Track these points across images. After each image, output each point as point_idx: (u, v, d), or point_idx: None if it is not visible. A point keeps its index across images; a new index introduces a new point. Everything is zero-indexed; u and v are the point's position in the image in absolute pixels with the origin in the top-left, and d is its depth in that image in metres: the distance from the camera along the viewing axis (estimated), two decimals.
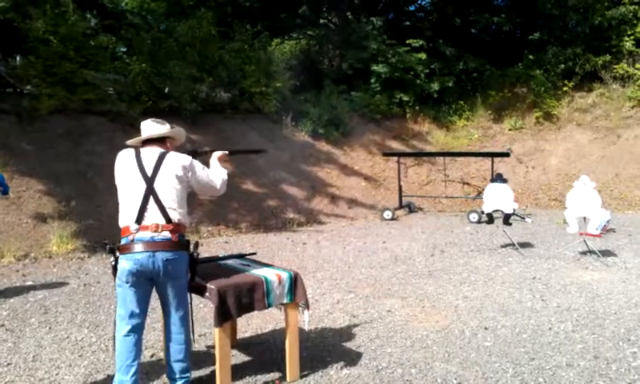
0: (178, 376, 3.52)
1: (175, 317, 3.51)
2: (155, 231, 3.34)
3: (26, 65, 11.20)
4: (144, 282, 3.40)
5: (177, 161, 3.49)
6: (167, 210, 3.38)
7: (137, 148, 3.57)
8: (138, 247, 3.33)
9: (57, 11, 11.29)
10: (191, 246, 3.57)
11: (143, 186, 3.39)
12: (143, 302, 3.48)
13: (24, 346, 4.66)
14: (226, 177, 3.83)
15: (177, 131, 3.77)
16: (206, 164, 3.84)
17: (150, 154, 3.50)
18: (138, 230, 3.35)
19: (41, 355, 4.45)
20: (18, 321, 5.33)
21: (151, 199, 3.37)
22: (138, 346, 3.47)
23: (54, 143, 10.45)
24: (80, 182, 9.98)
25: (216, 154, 3.97)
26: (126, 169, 3.48)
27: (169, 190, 3.41)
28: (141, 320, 3.48)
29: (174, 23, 14.06)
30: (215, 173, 3.80)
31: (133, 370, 3.41)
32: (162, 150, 3.54)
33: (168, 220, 3.37)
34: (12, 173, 9.29)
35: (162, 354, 4.27)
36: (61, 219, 8.94)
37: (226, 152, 4.05)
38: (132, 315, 3.43)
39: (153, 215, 3.36)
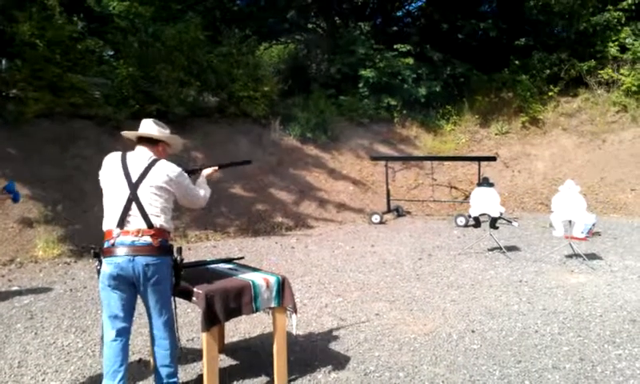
0: (164, 381, 3.52)
1: (159, 322, 3.49)
2: (136, 236, 3.35)
3: (12, 69, 11.11)
4: (126, 285, 3.40)
5: (163, 170, 3.48)
6: (150, 216, 3.37)
7: (124, 152, 3.55)
8: (119, 251, 3.34)
9: (43, 15, 11.21)
10: (174, 251, 3.54)
11: (127, 192, 3.40)
12: (127, 306, 3.47)
13: (9, 351, 4.62)
14: (208, 195, 3.88)
15: (174, 138, 3.75)
16: (195, 179, 3.87)
17: (138, 158, 3.50)
18: (119, 234, 3.37)
19: (27, 361, 4.42)
20: (3, 326, 5.28)
21: (134, 205, 3.38)
22: (124, 351, 3.46)
23: (41, 147, 10.36)
24: (66, 187, 9.91)
25: (205, 172, 4.03)
26: (111, 173, 3.49)
27: (152, 197, 3.40)
28: (125, 324, 3.48)
29: (161, 27, 13.99)
30: (200, 190, 3.82)
31: (120, 375, 3.41)
32: (151, 156, 3.53)
33: (150, 225, 3.37)
34: None
35: (149, 359, 4.25)
36: (47, 224, 8.87)
37: (216, 168, 4.13)
38: (116, 319, 3.44)
39: (135, 221, 3.37)
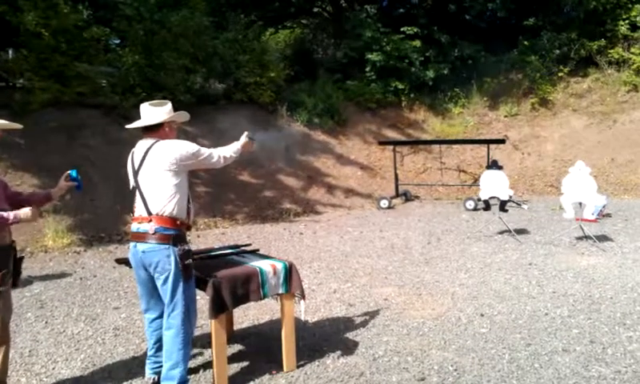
0: (164, 375, 3.45)
1: (165, 313, 3.45)
2: (140, 223, 3.39)
3: (19, 58, 11.10)
4: (140, 270, 3.48)
5: (161, 153, 3.36)
6: (147, 202, 3.36)
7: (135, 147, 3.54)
8: (131, 237, 3.46)
9: (48, 3, 11.16)
10: (177, 240, 3.37)
11: (132, 180, 3.46)
12: (147, 288, 3.55)
13: (20, 340, 4.65)
14: (228, 157, 3.67)
15: (175, 115, 3.59)
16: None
17: (141, 146, 3.48)
18: (132, 221, 3.48)
19: (37, 349, 4.45)
20: (14, 315, 5.25)
21: (137, 193, 3.42)
22: (150, 332, 3.66)
23: (48, 137, 10.38)
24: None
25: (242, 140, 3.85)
26: (128, 164, 3.55)
27: (150, 184, 3.36)
28: (146, 306, 3.63)
29: (167, 14, 13.93)
30: (215, 153, 3.60)
31: (151, 352, 3.68)
32: (152, 141, 3.44)
33: (149, 212, 3.35)
34: (6, 167, 9.26)
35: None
36: (56, 213, 8.90)
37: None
38: (142, 298, 3.65)
39: (139, 208, 3.42)
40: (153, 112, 3.50)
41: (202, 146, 3.65)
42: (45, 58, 10.79)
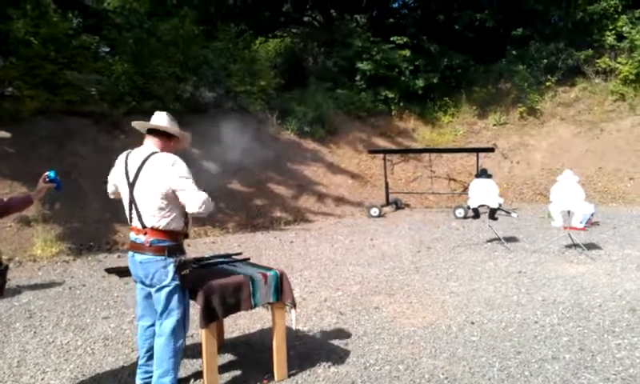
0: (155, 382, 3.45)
1: (159, 321, 3.45)
2: (137, 234, 3.39)
3: (7, 66, 11.04)
4: (138, 278, 3.50)
5: (155, 166, 3.29)
6: (142, 216, 3.34)
7: (131, 150, 3.47)
8: (129, 247, 3.48)
9: (37, 12, 11.13)
10: (175, 252, 3.39)
11: (127, 192, 3.40)
12: (145, 298, 3.58)
13: (8, 350, 4.61)
14: (210, 204, 3.44)
15: (185, 135, 3.59)
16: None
17: (138, 155, 3.39)
18: (130, 231, 3.47)
19: (26, 360, 4.40)
20: (2, 325, 5.27)
21: (133, 205, 3.39)
22: (142, 340, 3.65)
23: (37, 145, 10.31)
24: (64, 184, 9.84)
25: None
26: (117, 173, 3.49)
27: (145, 195, 3.32)
28: (142, 312, 3.64)
29: (156, 22, 13.94)
30: (202, 193, 3.39)
31: (142, 360, 3.66)
32: (149, 151, 3.37)
33: (143, 225, 3.35)
34: None
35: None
36: (45, 222, 8.83)
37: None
38: (138, 305, 3.67)
39: (135, 219, 3.40)
40: (170, 122, 3.48)
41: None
42: (34, 65, 10.72)
